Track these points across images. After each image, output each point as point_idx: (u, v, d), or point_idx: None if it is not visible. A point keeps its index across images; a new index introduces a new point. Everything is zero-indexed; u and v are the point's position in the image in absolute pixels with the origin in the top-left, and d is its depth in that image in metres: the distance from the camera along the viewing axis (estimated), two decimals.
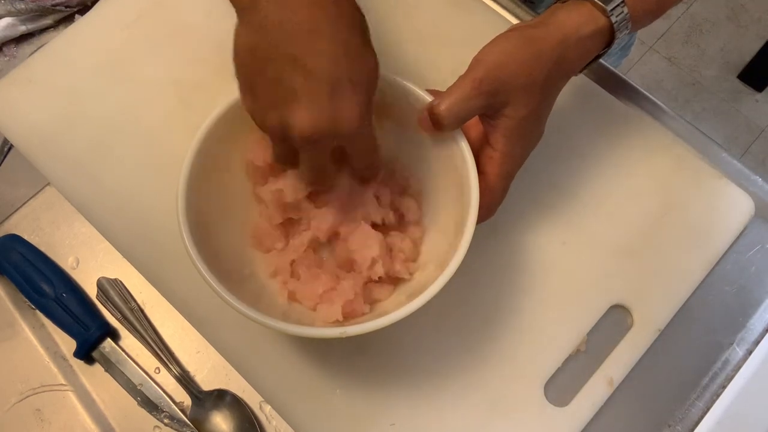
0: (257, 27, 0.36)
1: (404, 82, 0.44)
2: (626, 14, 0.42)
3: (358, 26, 0.38)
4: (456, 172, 0.43)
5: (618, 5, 0.42)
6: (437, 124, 0.41)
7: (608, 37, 0.43)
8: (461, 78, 0.41)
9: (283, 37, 0.36)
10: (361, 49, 0.38)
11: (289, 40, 0.35)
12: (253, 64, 0.37)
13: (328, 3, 0.37)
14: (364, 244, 0.44)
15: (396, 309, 0.39)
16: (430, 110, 0.41)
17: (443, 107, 0.41)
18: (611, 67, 0.57)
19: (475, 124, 0.44)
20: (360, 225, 0.45)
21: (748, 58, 1.62)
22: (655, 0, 0.44)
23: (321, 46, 0.36)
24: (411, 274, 0.46)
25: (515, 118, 0.41)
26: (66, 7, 0.60)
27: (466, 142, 0.42)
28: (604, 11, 0.42)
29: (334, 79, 0.36)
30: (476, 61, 0.41)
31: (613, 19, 0.42)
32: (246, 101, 0.39)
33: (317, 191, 0.46)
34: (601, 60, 0.46)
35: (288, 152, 0.41)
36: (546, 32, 0.41)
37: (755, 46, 1.62)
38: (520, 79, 0.40)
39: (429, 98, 0.43)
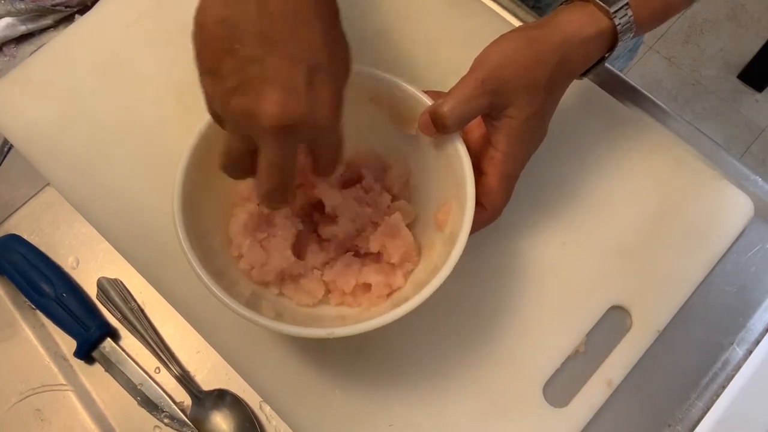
0: (235, 1, 0.33)
1: (403, 83, 0.44)
2: (630, 17, 0.42)
3: (336, 16, 0.36)
4: (452, 172, 0.43)
5: (621, 8, 0.42)
6: (440, 126, 0.41)
7: (612, 39, 0.43)
8: (464, 79, 0.41)
9: (261, 15, 0.33)
10: (339, 38, 0.36)
11: (269, 19, 0.33)
12: (223, 40, 0.33)
13: None
14: (345, 273, 0.45)
15: (387, 310, 0.39)
16: (433, 112, 0.41)
17: (447, 108, 0.40)
18: (611, 68, 0.57)
19: (476, 125, 0.44)
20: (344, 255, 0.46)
21: (748, 58, 1.62)
22: (661, 4, 0.44)
23: (302, 28, 0.33)
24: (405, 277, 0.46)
25: (518, 118, 0.41)
26: (66, 7, 0.60)
27: (462, 143, 0.42)
28: (607, 13, 0.42)
29: (313, 65, 0.33)
30: (478, 62, 0.41)
31: (617, 21, 0.42)
32: (205, 82, 0.35)
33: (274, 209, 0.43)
34: (606, 63, 0.46)
35: (244, 150, 0.36)
36: (548, 33, 0.41)
37: (755, 46, 1.62)
38: (523, 80, 0.40)
39: (428, 100, 0.43)
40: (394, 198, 0.48)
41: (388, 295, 0.45)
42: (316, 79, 0.33)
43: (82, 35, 0.57)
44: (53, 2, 0.60)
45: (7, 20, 0.60)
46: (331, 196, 0.46)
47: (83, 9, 0.61)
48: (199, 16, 0.34)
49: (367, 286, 0.45)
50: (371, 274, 0.44)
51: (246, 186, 0.46)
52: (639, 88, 0.56)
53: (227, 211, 0.46)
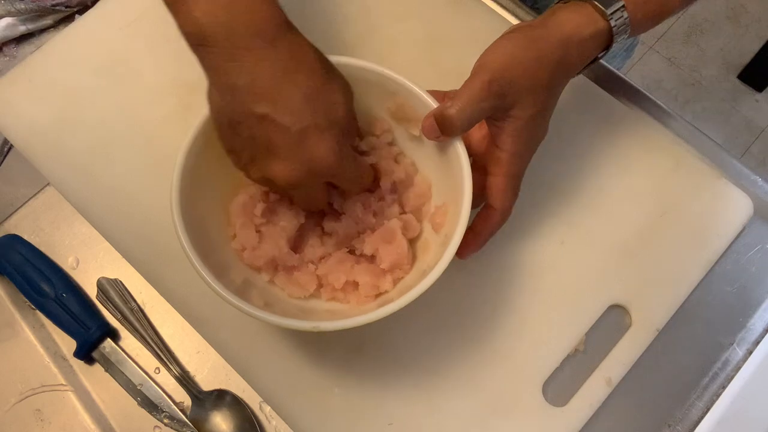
0: (226, 90, 0.37)
1: (408, 82, 0.44)
2: (626, 18, 0.42)
3: (317, 68, 0.39)
4: (452, 175, 0.43)
5: (618, 9, 0.42)
6: (447, 128, 0.41)
7: (607, 39, 0.43)
8: (469, 81, 0.41)
9: (249, 98, 0.37)
10: (321, 90, 0.39)
11: (255, 100, 0.37)
12: (228, 125, 0.39)
13: (285, 58, 0.38)
14: (338, 269, 0.45)
15: (376, 308, 0.40)
16: (439, 115, 0.41)
17: (454, 110, 0.40)
18: (611, 67, 0.57)
19: (477, 127, 0.44)
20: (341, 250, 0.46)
21: (748, 58, 1.62)
22: (656, 7, 0.44)
23: (284, 100, 0.37)
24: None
25: (522, 118, 0.41)
26: (66, 7, 0.60)
27: (463, 146, 0.42)
28: (603, 14, 0.42)
29: (301, 131, 0.37)
30: (481, 64, 0.41)
31: (613, 22, 0.42)
32: (231, 158, 0.41)
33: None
34: (603, 62, 0.46)
35: (284, 191, 0.44)
36: (547, 32, 0.41)
37: (755, 46, 1.62)
38: (527, 80, 0.40)
39: (433, 102, 0.43)
40: (404, 213, 0.47)
41: (376, 296, 0.45)
42: (308, 138, 0.37)
43: (82, 35, 0.57)
44: (53, 2, 0.60)
45: (7, 20, 0.60)
46: (338, 194, 0.46)
47: (83, 9, 0.61)
48: (209, 104, 0.40)
49: (356, 284, 0.45)
50: (361, 274, 0.45)
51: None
52: (639, 88, 0.56)
53: (226, 201, 0.46)
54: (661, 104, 0.56)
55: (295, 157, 0.38)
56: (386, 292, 0.44)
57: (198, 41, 0.37)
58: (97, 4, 0.58)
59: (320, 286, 0.46)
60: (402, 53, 0.56)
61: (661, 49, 1.66)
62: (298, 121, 0.37)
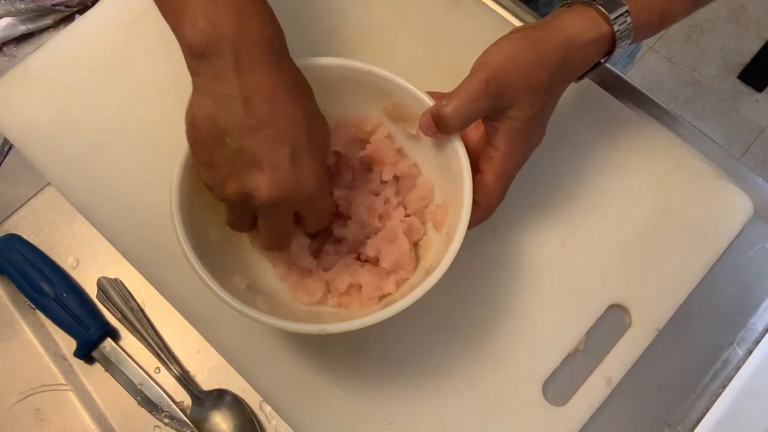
0: (221, 99, 0.37)
1: (404, 82, 0.44)
2: (629, 24, 0.42)
3: (310, 94, 0.40)
4: (451, 173, 0.43)
5: (621, 15, 0.42)
6: (443, 127, 0.41)
7: (610, 45, 0.43)
8: (467, 80, 0.41)
9: (246, 110, 0.36)
10: (316, 115, 0.40)
11: (253, 113, 0.36)
12: (213, 134, 0.37)
13: (288, 78, 0.38)
14: (344, 273, 0.45)
15: (381, 308, 0.40)
16: (435, 113, 0.41)
17: (450, 109, 0.40)
18: (612, 68, 0.57)
19: (475, 127, 0.44)
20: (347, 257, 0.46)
21: (748, 58, 1.62)
22: (659, 13, 0.44)
23: (281, 115, 0.37)
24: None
25: (519, 119, 0.41)
26: (66, 7, 0.60)
27: (462, 144, 0.42)
28: (607, 19, 0.42)
29: (295, 146, 0.37)
30: (481, 64, 0.41)
31: (616, 28, 0.42)
32: (203, 173, 0.39)
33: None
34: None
35: (245, 219, 0.42)
36: (550, 35, 0.41)
37: (755, 46, 1.62)
38: (525, 81, 0.40)
39: (430, 101, 0.43)
40: (408, 216, 0.47)
41: (380, 298, 0.45)
42: (299, 158, 0.37)
43: (82, 35, 0.57)
44: (53, 2, 0.60)
45: (7, 20, 0.60)
46: (343, 197, 0.47)
47: (83, 9, 0.61)
48: (189, 115, 0.38)
49: (359, 287, 0.45)
50: (364, 275, 0.45)
51: None
52: (639, 88, 0.56)
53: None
54: (661, 104, 0.56)
55: (285, 172, 0.37)
56: (389, 294, 0.44)
57: (201, 50, 0.37)
58: (97, 4, 0.58)
59: (328, 292, 0.46)
60: (402, 53, 0.55)
61: (661, 49, 1.65)
62: (294, 139, 0.37)
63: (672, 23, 0.45)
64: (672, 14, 0.45)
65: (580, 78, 0.45)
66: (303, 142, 0.38)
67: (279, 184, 0.37)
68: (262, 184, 0.37)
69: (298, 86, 0.39)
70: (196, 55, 0.37)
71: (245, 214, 0.41)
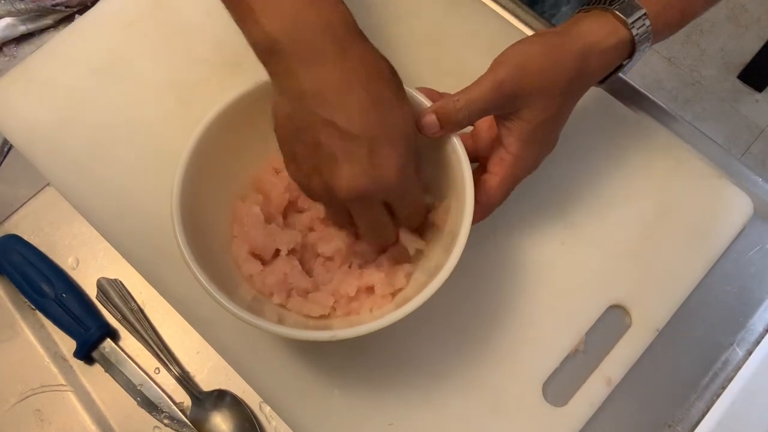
0: (294, 96, 0.37)
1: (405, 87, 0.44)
2: (648, 27, 0.42)
3: (388, 81, 0.38)
4: (451, 172, 0.43)
5: (639, 18, 0.42)
6: (450, 121, 0.41)
7: (629, 49, 0.43)
8: (482, 78, 0.41)
9: (318, 104, 0.36)
10: (393, 104, 0.38)
11: (325, 106, 0.36)
12: (293, 132, 0.38)
13: (357, 65, 0.37)
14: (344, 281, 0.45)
15: (391, 311, 0.39)
16: (442, 108, 0.41)
17: (462, 103, 0.40)
18: None
19: (487, 128, 0.44)
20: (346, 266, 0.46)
21: (748, 58, 1.62)
22: (678, 13, 0.44)
23: (354, 109, 0.36)
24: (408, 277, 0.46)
25: (532, 122, 0.41)
26: (66, 7, 0.60)
27: (461, 143, 0.42)
28: (625, 23, 0.42)
29: (371, 139, 0.36)
30: (497, 63, 0.41)
31: (635, 32, 0.42)
32: (290, 169, 0.40)
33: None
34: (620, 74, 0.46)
35: (340, 213, 0.42)
36: (569, 41, 0.41)
37: (755, 46, 1.62)
38: (540, 83, 0.40)
39: (426, 101, 0.43)
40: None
41: (393, 295, 0.45)
42: (376, 148, 0.36)
43: (82, 35, 0.57)
44: (53, 2, 0.60)
45: (7, 20, 0.60)
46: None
47: (83, 9, 0.61)
48: (273, 113, 0.39)
49: (371, 289, 0.45)
50: (373, 274, 0.44)
51: (252, 178, 0.47)
52: (639, 88, 0.56)
53: (229, 208, 0.46)
54: (661, 104, 0.56)
55: (363, 166, 0.36)
56: (401, 289, 0.45)
57: (267, 49, 0.37)
58: (97, 4, 0.58)
59: (335, 301, 0.45)
60: (402, 53, 0.55)
61: (661, 49, 1.65)
62: (367, 129, 0.36)
63: (691, 20, 0.45)
64: (690, 12, 0.44)
65: (601, 82, 0.45)
66: (380, 133, 0.37)
67: (357, 176, 0.36)
68: (340, 178, 0.37)
69: (370, 73, 0.38)
70: (263, 54, 0.38)
71: (338, 210, 0.41)
